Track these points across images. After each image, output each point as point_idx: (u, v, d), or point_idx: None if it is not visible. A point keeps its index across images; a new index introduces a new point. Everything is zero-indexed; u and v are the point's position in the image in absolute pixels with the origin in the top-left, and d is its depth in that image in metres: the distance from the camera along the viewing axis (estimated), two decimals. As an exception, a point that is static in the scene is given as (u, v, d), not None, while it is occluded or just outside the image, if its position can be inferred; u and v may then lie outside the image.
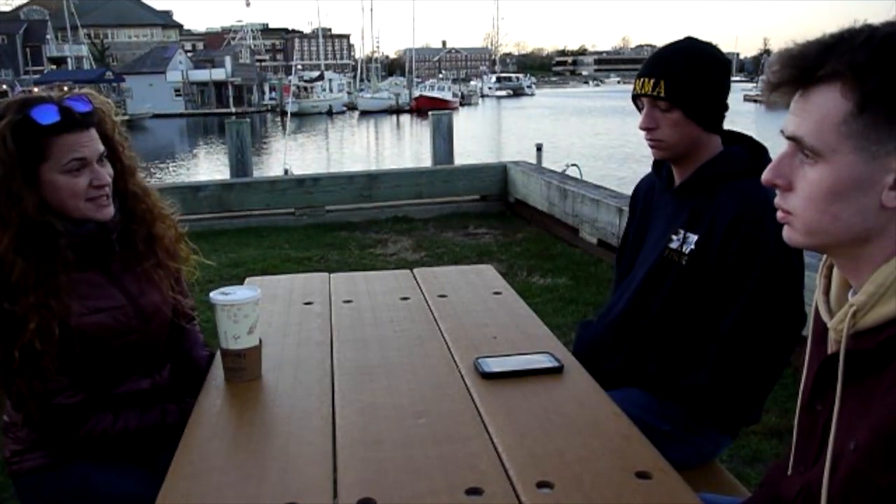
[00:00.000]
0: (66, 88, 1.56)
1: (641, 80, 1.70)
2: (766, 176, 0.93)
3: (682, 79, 1.66)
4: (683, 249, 1.70)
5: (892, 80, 0.81)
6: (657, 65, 1.70)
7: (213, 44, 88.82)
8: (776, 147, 0.99)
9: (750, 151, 1.72)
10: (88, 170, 1.49)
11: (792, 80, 0.88)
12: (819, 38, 0.87)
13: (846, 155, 0.84)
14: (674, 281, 1.72)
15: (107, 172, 1.53)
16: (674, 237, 1.73)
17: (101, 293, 1.56)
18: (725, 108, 1.73)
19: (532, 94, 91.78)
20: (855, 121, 0.83)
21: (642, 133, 1.74)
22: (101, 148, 1.52)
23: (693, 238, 1.69)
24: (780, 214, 0.94)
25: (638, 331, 1.80)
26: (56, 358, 1.45)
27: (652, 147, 1.74)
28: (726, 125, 1.76)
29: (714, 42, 1.76)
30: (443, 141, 9.36)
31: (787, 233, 0.94)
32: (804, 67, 0.86)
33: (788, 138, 0.90)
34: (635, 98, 1.75)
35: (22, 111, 1.42)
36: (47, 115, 1.42)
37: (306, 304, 2.09)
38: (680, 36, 1.79)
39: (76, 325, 1.48)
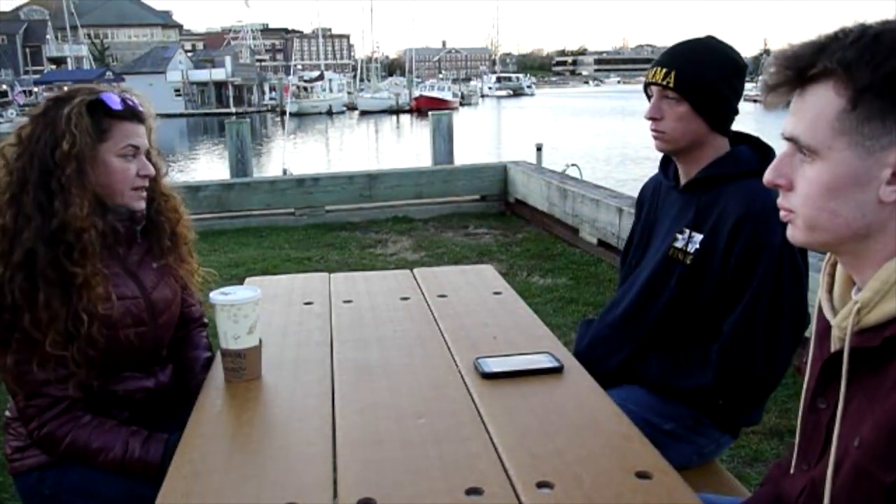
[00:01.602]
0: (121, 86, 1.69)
1: (654, 69, 1.70)
2: (767, 177, 0.94)
3: (694, 73, 1.66)
4: (688, 248, 1.70)
5: (883, 75, 0.81)
6: (672, 56, 1.70)
7: (213, 44, 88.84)
8: (780, 147, 1.00)
9: (757, 152, 1.72)
10: (138, 159, 1.58)
11: (787, 81, 0.89)
12: (812, 39, 0.88)
13: (841, 151, 0.85)
14: (678, 279, 1.72)
15: (152, 169, 1.61)
16: (679, 236, 1.73)
17: (118, 282, 1.59)
18: (735, 111, 1.72)
19: (532, 95, 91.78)
20: (848, 117, 0.84)
21: (642, 135, 1.74)
22: (149, 145, 1.62)
23: (698, 237, 1.69)
24: (782, 214, 0.95)
25: (641, 329, 1.80)
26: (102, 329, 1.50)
27: (655, 138, 1.73)
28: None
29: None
30: (443, 141, 9.36)
31: (790, 231, 0.95)
32: (798, 68, 0.87)
33: (787, 139, 0.91)
34: (646, 87, 1.74)
35: (94, 94, 1.55)
36: (115, 102, 1.55)
37: (306, 304, 2.09)
38: (679, 37, 1.79)
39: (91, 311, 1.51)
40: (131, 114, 1.58)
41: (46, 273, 1.44)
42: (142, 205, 1.61)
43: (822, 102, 0.86)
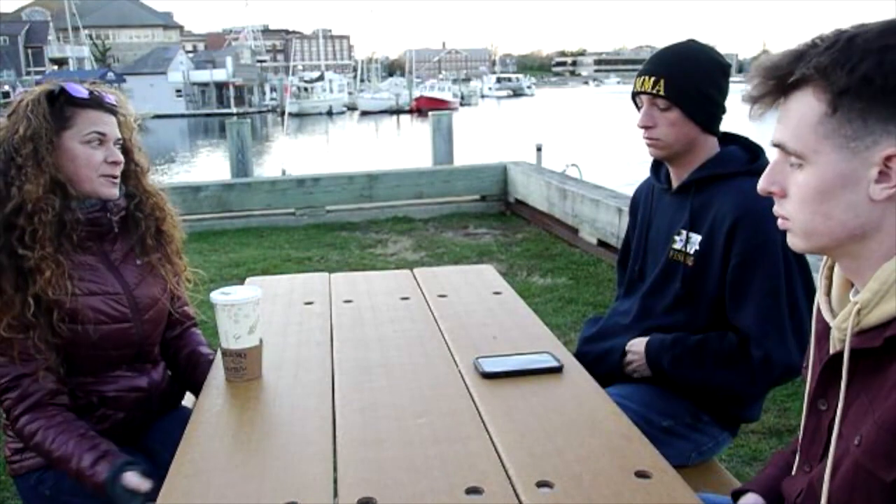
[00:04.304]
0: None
1: (642, 78, 1.71)
2: (760, 185, 0.96)
3: (682, 78, 1.67)
4: (688, 249, 1.71)
5: (858, 77, 0.83)
6: (658, 64, 1.71)
7: (213, 44, 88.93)
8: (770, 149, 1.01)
9: (747, 151, 1.73)
10: (105, 147, 1.58)
11: (770, 91, 0.91)
12: (791, 49, 0.90)
13: (827, 154, 0.87)
14: (682, 281, 1.73)
15: (120, 157, 1.61)
16: (677, 238, 1.74)
17: (97, 277, 1.60)
18: (723, 110, 1.74)
19: (532, 95, 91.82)
20: (830, 120, 0.86)
21: (641, 135, 1.75)
22: (119, 134, 1.62)
23: (696, 238, 1.70)
24: (779, 222, 0.97)
25: (647, 331, 1.80)
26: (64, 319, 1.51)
27: (649, 146, 1.75)
28: (724, 127, 1.77)
29: (713, 43, 1.77)
30: (443, 141, 9.36)
31: (789, 239, 0.97)
32: (779, 77, 0.89)
33: (775, 146, 0.93)
34: (634, 96, 1.75)
35: (58, 84, 1.58)
36: (78, 91, 1.57)
37: (307, 303, 2.09)
38: (679, 37, 1.80)
39: (70, 305, 1.51)
40: (97, 103, 1.58)
41: (0, 259, 1.46)
42: (113, 192, 1.60)
43: (803, 109, 0.88)
